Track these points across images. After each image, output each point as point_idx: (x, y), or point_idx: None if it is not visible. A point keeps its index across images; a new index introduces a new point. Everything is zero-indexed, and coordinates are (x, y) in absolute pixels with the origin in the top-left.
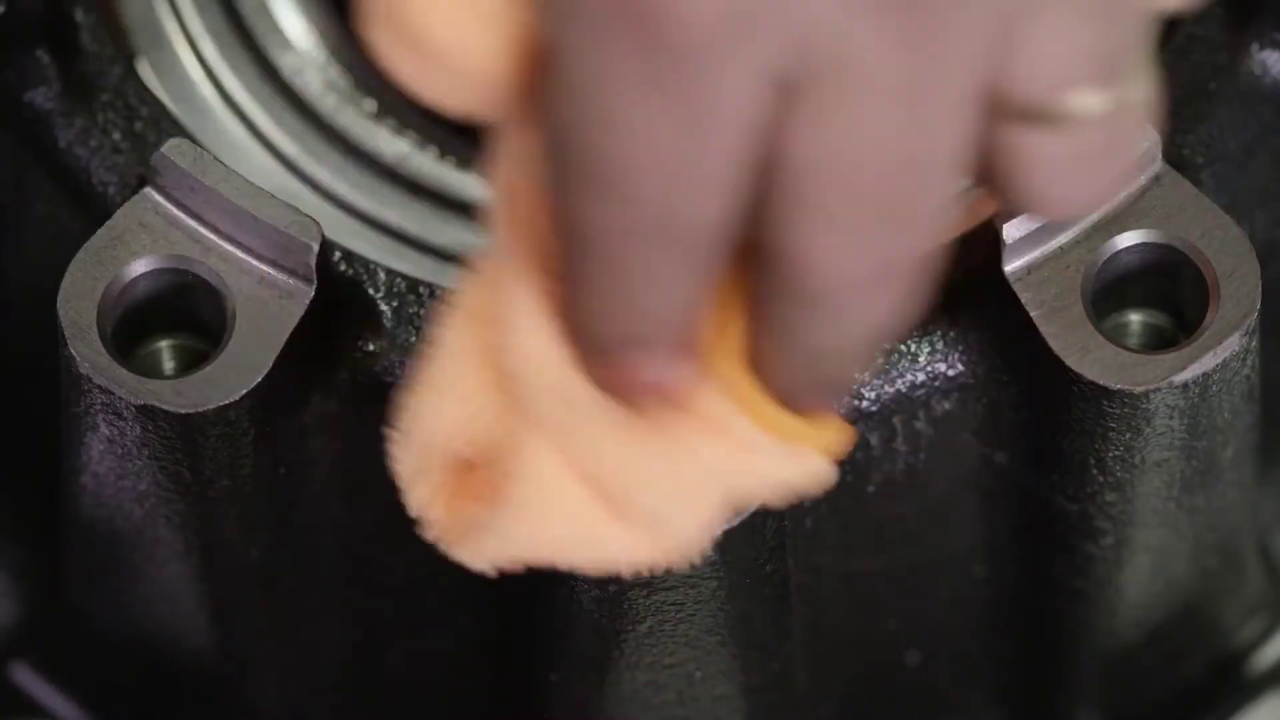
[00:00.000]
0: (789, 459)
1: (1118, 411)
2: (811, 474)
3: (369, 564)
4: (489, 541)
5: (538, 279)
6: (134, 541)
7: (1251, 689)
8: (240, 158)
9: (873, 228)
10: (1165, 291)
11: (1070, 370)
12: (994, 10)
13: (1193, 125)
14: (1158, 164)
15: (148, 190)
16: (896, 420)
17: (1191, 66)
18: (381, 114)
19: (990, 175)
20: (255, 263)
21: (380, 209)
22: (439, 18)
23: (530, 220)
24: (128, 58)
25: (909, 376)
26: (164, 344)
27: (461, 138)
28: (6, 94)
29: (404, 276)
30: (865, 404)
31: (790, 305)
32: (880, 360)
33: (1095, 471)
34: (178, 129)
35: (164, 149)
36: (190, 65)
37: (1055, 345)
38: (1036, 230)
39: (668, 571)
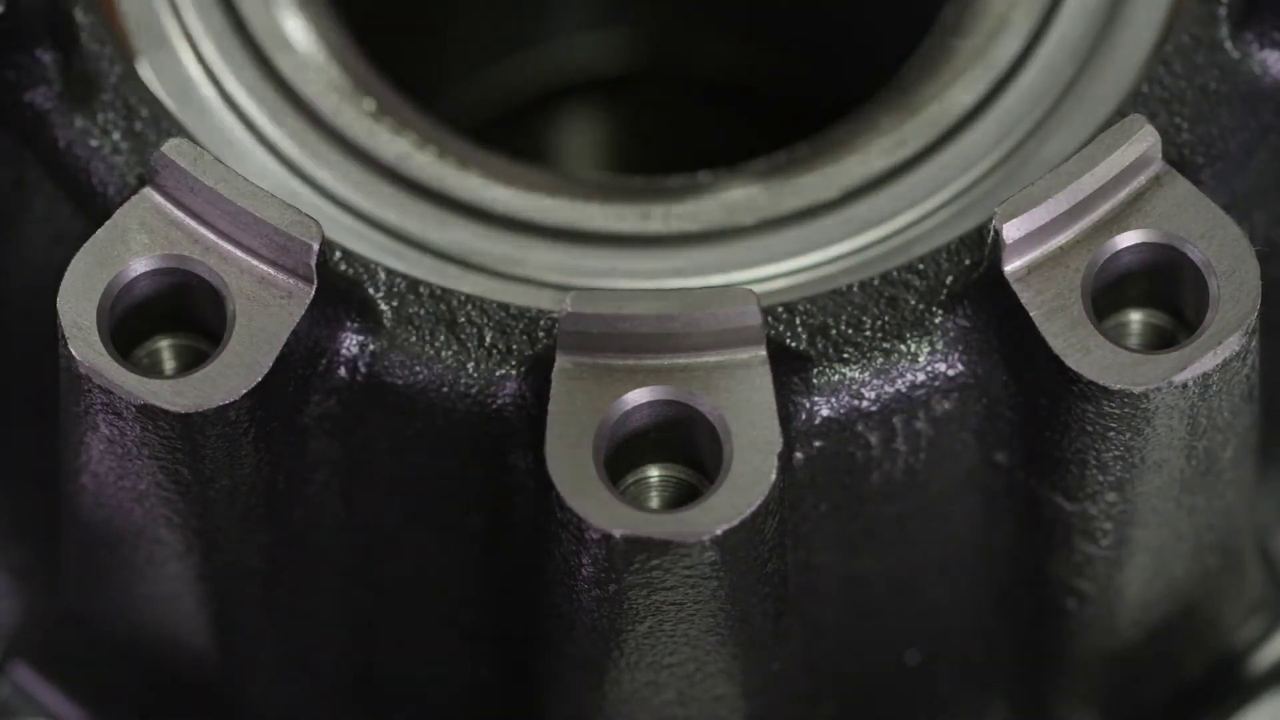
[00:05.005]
0: None
1: (1118, 411)
2: None
3: (369, 564)
4: None
5: None
6: (134, 541)
7: (1251, 689)
8: (240, 158)
9: None
10: (1165, 291)
11: (1070, 370)
12: None
13: (1193, 125)
14: (1158, 164)
15: (148, 190)
16: (896, 420)
17: (1191, 66)
18: (381, 114)
19: None
20: (255, 263)
21: (380, 209)
22: None
23: None
24: (128, 58)
25: (909, 376)
26: (164, 344)
27: (461, 138)
28: (6, 94)
29: (404, 276)
30: (865, 404)
31: None
32: (880, 360)
33: (1095, 471)
34: (178, 129)
35: (164, 149)
36: (190, 65)
37: (1055, 345)
38: (1036, 230)
39: (668, 571)
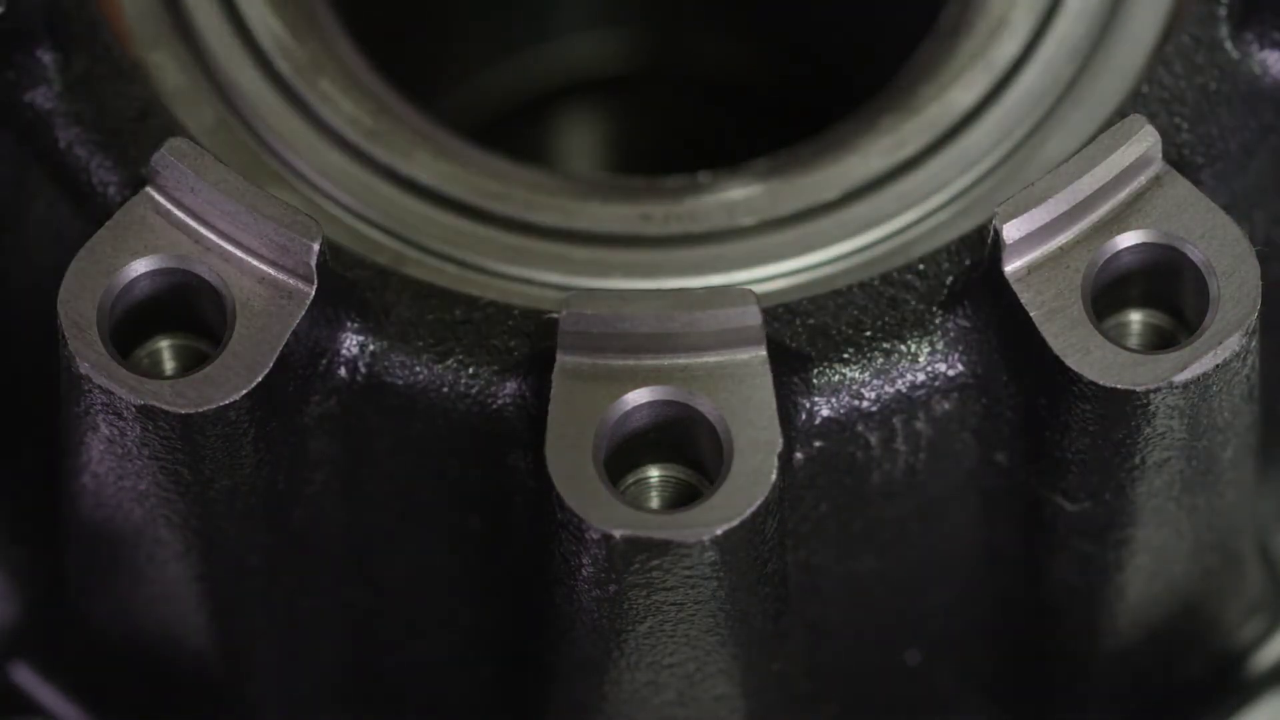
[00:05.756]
0: None
1: (1118, 411)
2: None
3: (369, 564)
4: None
5: None
6: (134, 541)
7: (1251, 689)
8: (240, 158)
9: None
10: (1165, 291)
11: (1070, 370)
12: None
13: (1193, 125)
14: (1158, 164)
15: (148, 190)
16: (896, 420)
17: (1191, 66)
18: (380, 114)
19: None
20: (255, 263)
21: (379, 209)
22: None
23: None
24: (128, 58)
25: (909, 376)
26: (164, 344)
27: (461, 138)
28: (6, 94)
29: (404, 276)
30: (865, 404)
31: None
32: (880, 360)
33: (1095, 471)
34: (178, 129)
35: (164, 149)
36: (191, 65)
37: (1055, 345)
38: (1036, 230)
39: (668, 571)
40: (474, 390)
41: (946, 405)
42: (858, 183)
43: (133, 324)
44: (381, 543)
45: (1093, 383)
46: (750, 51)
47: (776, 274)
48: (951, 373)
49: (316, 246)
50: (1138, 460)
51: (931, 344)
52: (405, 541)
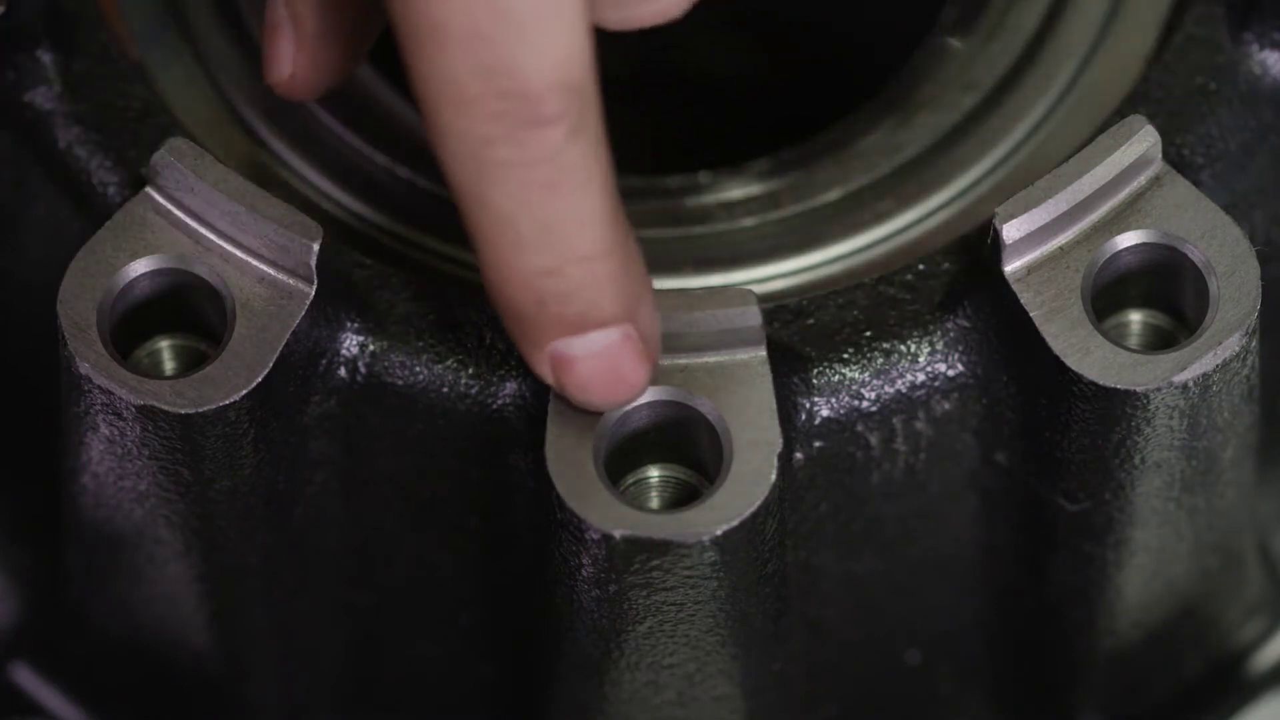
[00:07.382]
0: None
1: (1118, 411)
2: None
3: (369, 564)
4: None
5: None
6: (134, 541)
7: (1251, 689)
8: (240, 158)
9: None
10: (1165, 291)
11: (1070, 370)
12: None
13: (1193, 125)
14: (1158, 164)
15: (148, 190)
16: (896, 420)
17: (1191, 66)
18: (380, 115)
19: None
20: (255, 263)
21: (379, 210)
22: None
23: None
24: (128, 58)
25: (909, 376)
26: (164, 344)
27: None
28: (6, 94)
29: (404, 277)
30: (865, 404)
31: None
32: (880, 360)
33: (1095, 471)
34: (178, 129)
35: (164, 149)
36: (190, 65)
37: (1055, 345)
38: (1037, 230)
39: (668, 571)
40: (474, 390)
41: (946, 405)
42: (858, 183)
43: (133, 324)
44: (381, 543)
45: (1093, 383)
46: (750, 51)
47: (776, 274)
48: (951, 373)
49: (316, 246)
50: (1138, 460)
51: (931, 344)
52: (405, 541)
